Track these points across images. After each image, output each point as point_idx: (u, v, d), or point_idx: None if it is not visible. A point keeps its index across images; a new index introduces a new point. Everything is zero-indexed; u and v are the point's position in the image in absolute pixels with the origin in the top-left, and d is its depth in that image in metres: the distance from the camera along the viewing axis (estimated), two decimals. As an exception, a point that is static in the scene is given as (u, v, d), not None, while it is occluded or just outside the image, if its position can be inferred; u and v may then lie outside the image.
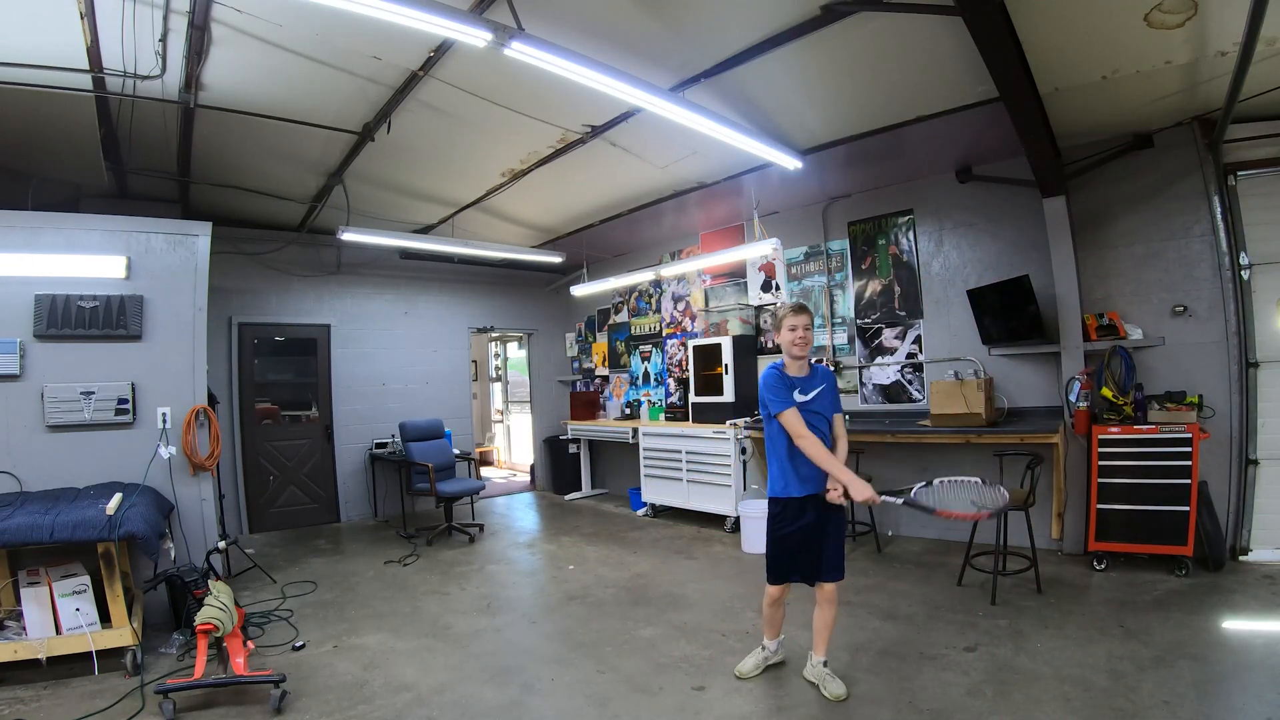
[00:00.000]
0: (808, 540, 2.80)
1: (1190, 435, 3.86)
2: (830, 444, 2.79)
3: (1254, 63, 2.90)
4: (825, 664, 2.83)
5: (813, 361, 2.95)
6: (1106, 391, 4.25)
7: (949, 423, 4.57)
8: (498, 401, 11.98)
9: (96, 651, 3.14)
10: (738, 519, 5.55)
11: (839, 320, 5.93)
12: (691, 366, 6.59)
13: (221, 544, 4.21)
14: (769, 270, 6.39)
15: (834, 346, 5.93)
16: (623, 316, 8.12)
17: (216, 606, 3.09)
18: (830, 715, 2.63)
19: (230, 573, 4.61)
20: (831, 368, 5.79)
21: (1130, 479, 4.02)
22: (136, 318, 3.98)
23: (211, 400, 4.41)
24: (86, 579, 3.25)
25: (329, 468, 6.99)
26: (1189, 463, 3.84)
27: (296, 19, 2.99)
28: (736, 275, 6.72)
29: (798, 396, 2.79)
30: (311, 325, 7.01)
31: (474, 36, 2.60)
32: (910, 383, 5.49)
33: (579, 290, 7.56)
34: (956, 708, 2.60)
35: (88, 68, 3.30)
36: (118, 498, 3.26)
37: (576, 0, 2.95)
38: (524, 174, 5.12)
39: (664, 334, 7.54)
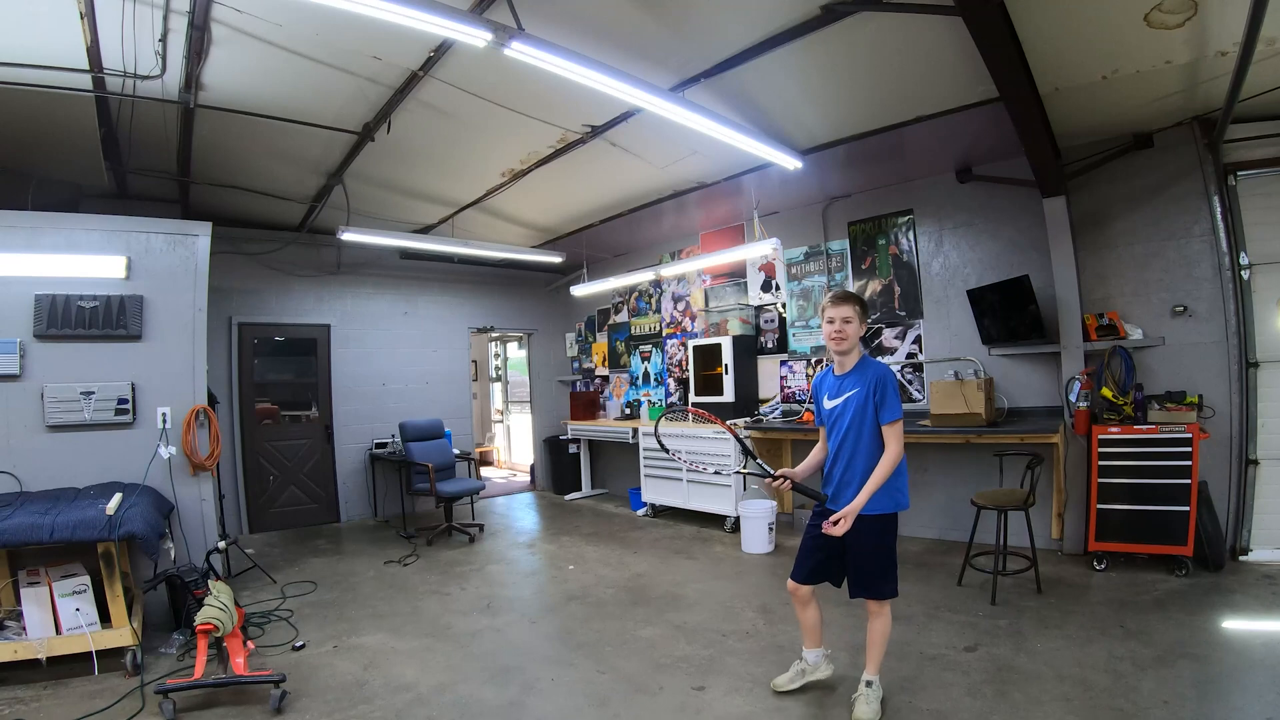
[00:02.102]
0: (821, 543, 2.62)
1: (1190, 435, 3.85)
2: (851, 451, 2.54)
3: (1254, 63, 2.90)
4: (869, 683, 2.58)
5: (867, 355, 2.66)
6: (1106, 391, 4.25)
7: (949, 423, 4.57)
8: (498, 401, 11.97)
9: (96, 651, 3.14)
10: (738, 519, 5.55)
11: (839, 320, 5.92)
12: (691, 366, 6.59)
13: (221, 544, 4.21)
14: (769, 270, 6.39)
15: (834, 346, 5.93)
16: (623, 316, 8.12)
17: (216, 606, 3.09)
18: (829, 717, 2.63)
19: (230, 573, 4.61)
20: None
21: (1130, 479, 4.02)
22: (136, 318, 3.98)
23: (211, 400, 4.41)
24: (86, 579, 3.24)
25: (329, 468, 6.99)
26: (1189, 463, 3.84)
27: (296, 19, 2.99)
28: (736, 275, 6.72)
29: (826, 403, 2.66)
30: (311, 325, 7.01)
31: (474, 36, 2.60)
32: (910, 383, 5.48)
33: (579, 290, 7.57)
34: (956, 708, 2.60)
35: (88, 68, 3.30)
36: (118, 498, 3.27)
37: (576, 0, 2.96)
38: (524, 174, 5.12)
39: (664, 334, 7.54)
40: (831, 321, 2.55)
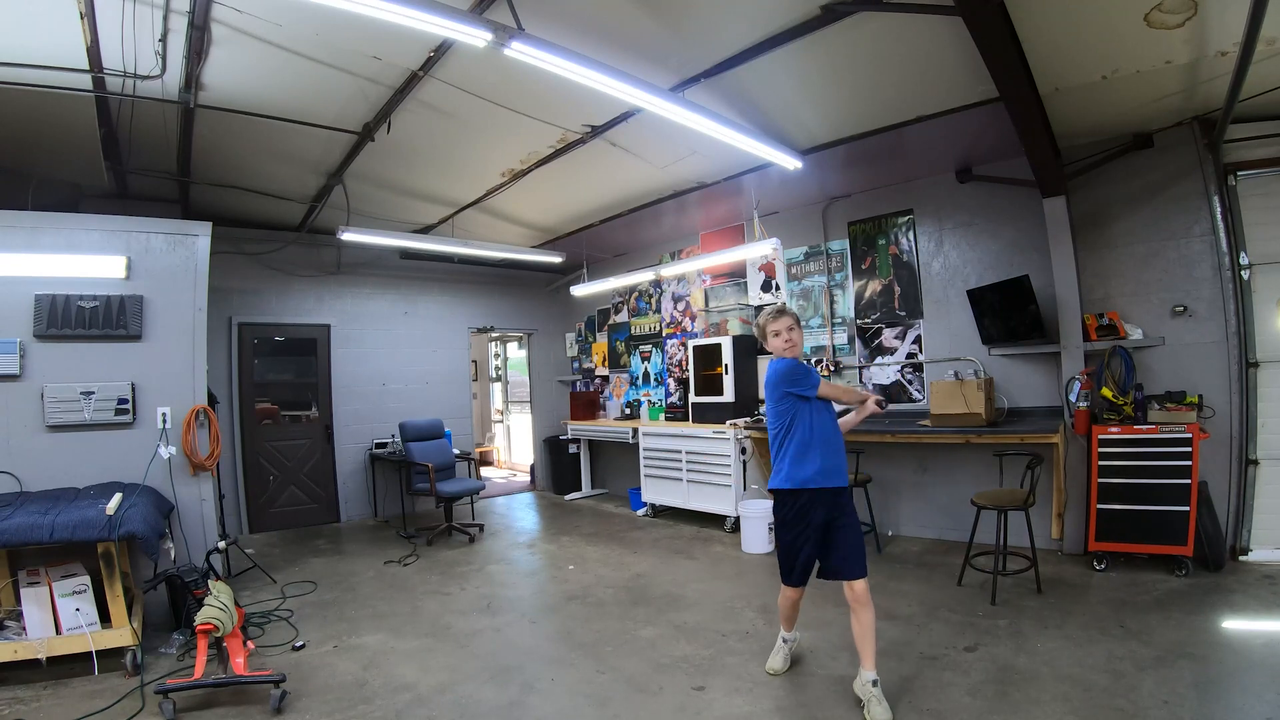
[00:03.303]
0: (804, 539, 2.79)
1: (1190, 435, 3.85)
2: (816, 431, 2.78)
3: (1254, 63, 2.90)
4: (876, 683, 2.57)
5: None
6: (1106, 391, 4.25)
7: (949, 423, 4.57)
8: (498, 401, 11.97)
9: (96, 651, 3.14)
10: (738, 519, 5.55)
11: (839, 320, 5.93)
12: (691, 366, 6.59)
13: (221, 544, 4.21)
14: (769, 270, 6.39)
15: (834, 346, 5.93)
16: (623, 316, 8.12)
17: (216, 606, 3.09)
18: (830, 717, 2.63)
19: (230, 573, 4.61)
20: (832, 368, 5.82)
21: (1130, 479, 4.01)
22: (136, 318, 3.98)
23: (211, 400, 4.41)
24: (86, 579, 3.24)
25: (329, 468, 6.99)
26: (1189, 463, 3.84)
27: (296, 19, 2.99)
28: (736, 275, 6.72)
29: None
30: (311, 325, 7.01)
31: (474, 36, 2.60)
32: (910, 383, 5.49)
33: (579, 290, 7.57)
34: (956, 708, 2.60)
35: (88, 68, 3.30)
36: (118, 498, 3.26)
37: (576, 0, 2.96)
38: (524, 174, 5.12)
39: (664, 334, 7.54)
40: (778, 334, 2.85)
